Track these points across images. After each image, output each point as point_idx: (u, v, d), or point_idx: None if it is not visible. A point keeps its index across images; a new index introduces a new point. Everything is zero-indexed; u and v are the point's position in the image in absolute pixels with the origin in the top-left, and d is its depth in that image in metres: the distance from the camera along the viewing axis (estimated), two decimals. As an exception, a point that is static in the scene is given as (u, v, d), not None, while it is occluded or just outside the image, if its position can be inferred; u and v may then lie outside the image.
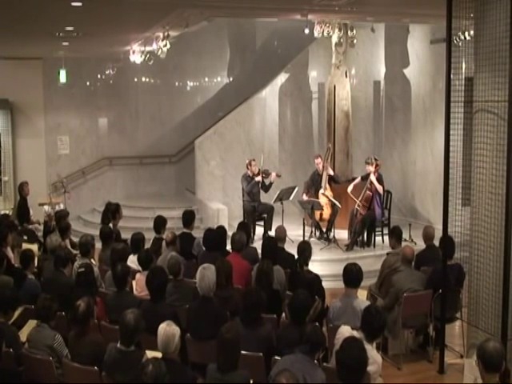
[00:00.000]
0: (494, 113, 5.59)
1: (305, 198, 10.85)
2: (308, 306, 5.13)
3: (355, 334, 4.72)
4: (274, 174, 11.06)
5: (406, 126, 12.33)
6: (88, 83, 14.16)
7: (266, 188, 11.17)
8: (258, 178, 10.99)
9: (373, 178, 10.24)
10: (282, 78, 13.25)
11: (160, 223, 8.11)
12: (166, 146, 14.54)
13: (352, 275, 5.70)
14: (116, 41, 10.90)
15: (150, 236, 8.00)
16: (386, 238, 9.01)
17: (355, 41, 11.04)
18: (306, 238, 10.33)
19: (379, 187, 10.26)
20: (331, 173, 10.91)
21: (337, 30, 10.67)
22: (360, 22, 10.92)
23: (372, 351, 4.52)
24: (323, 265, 9.27)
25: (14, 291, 5.69)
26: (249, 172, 11.05)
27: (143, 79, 14.53)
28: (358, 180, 10.66)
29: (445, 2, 5.88)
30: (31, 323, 5.40)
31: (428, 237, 7.50)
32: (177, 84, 14.85)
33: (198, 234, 8.58)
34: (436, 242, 7.33)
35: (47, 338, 5.00)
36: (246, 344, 4.66)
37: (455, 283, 6.69)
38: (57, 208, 10.80)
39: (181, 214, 8.48)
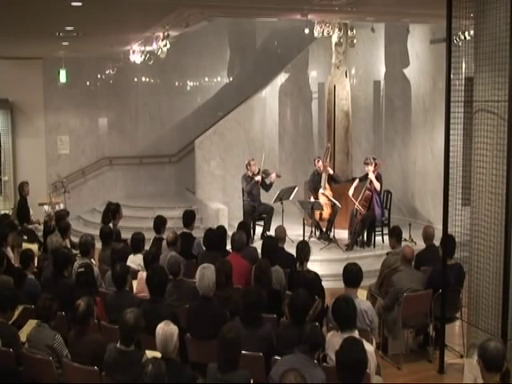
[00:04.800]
0: (493, 113, 5.58)
1: (312, 199, 10.74)
2: (308, 306, 5.13)
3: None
4: (273, 175, 11.03)
5: (405, 126, 12.33)
6: (88, 83, 14.16)
7: (267, 187, 11.15)
8: (258, 178, 10.93)
9: (372, 176, 10.22)
10: (281, 77, 13.25)
11: (160, 223, 8.11)
12: (166, 146, 14.54)
13: (352, 275, 5.69)
14: (116, 41, 10.90)
15: (150, 236, 8.00)
16: (386, 237, 9.01)
17: (355, 41, 11.05)
18: (306, 238, 10.32)
19: (377, 184, 10.23)
20: (331, 172, 10.91)
21: (337, 30, 10.67)
22: (360, 22, 10.93)
23: (367, 346, 4.50)
24: (323, 265, 9.26)
25: (14, 291, 5.68)
26: (248, 172, 11.03)
27: (143, 79, 14.53)
28: (356, 182, 10.57)
29: (445, 2, 5.88)
30: (31, 323, 5.40)
31: (428, 237, 7.51)
32: (177, 84, 14.84)
33: (198, 234, 8.59)
34: (436, 242, 7.34)
35: (47, 337, 5.00)
36: (246, 344, 4.65)
37: (455, 283, 6.69)
38: (57, 208, 10.79)
39: (181, 214, 8.50)
